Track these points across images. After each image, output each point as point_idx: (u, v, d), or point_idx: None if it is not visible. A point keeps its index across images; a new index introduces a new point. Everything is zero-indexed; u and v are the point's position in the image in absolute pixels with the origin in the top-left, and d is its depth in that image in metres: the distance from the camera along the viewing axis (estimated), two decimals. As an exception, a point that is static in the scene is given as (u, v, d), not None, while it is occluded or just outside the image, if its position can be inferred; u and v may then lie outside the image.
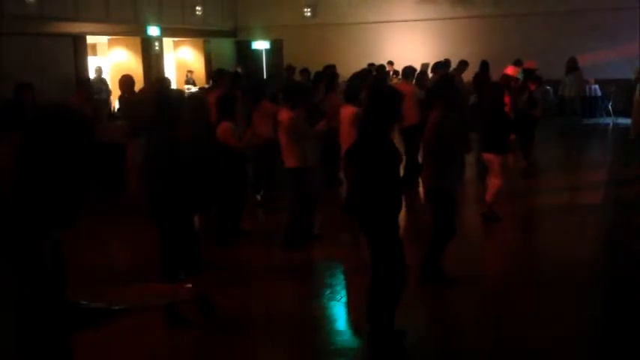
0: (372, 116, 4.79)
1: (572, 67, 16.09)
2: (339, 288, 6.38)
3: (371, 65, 15.89)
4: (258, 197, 9.87)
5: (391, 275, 4.83)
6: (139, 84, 16.48)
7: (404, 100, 4.99)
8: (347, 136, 7.85)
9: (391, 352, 4.89)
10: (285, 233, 7.55)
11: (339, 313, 5.90)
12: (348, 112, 8.28)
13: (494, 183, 8.41)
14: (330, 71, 12.59)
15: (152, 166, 5.32)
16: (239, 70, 18.57)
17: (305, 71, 14.30)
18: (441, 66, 13.23)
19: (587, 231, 7.96)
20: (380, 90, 5.27)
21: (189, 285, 5.26)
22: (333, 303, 6.03)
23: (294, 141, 7.30)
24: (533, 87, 11.11)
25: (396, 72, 16.63)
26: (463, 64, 14.01)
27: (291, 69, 15.34)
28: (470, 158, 10.59)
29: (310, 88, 8.52)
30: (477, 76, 13.34)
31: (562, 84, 16.54)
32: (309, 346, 5.23)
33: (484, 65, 13.54)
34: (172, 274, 5.50)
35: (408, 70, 10.96)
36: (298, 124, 7.32)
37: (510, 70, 9.74)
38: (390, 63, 18.21)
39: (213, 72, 11.89)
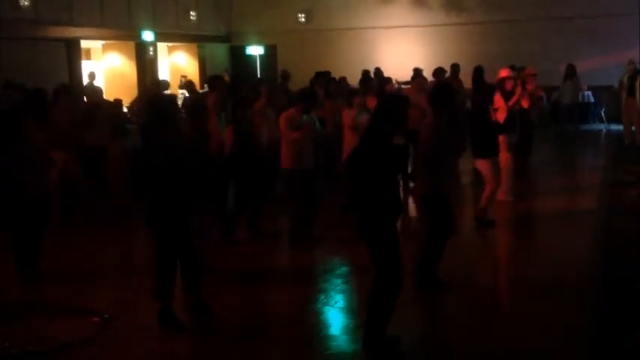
0: (377, 122, 4.83)
1: (571, 73, 16.06)
2: (334, 292, 6.36)
3: (377, 69, 15.98)
4: None
5: (391, 279, 4.81)
6: (132, 89, 16.59)
7: (410, 106, 5.07)
8: (350, 140, 8.18)
9: (386, 358, 4.87)
10: (290, 235, 7.89)
11: (334, 317, 5.87)
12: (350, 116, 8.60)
13: (487, 188, 8.43)
14: (326, 78, 12.53)
15: (147, 168, 5.29)
16: (226, 76, 18.50)
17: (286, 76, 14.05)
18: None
19: (583, 234, 7.97)
20: (388, 98, 5.32)
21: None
22: (328, 308, 6.01)
23: (288, 139, 7.50)
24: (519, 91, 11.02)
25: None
26: (456, 67, 14.06)
27: (285, 75, 15.27)
28: (467, 165, 10.61)
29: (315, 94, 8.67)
30: (474, 83, 13.36)
31: (560, 90, 16.52)
32: (304, 350, 5.20)
33: (479, 71, 13.51)
34: (167, 290, 5.47)
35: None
36: (293, 116, 7.57)
37: (504, 73, 9.78)
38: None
39: (208, 77, 11.86)
